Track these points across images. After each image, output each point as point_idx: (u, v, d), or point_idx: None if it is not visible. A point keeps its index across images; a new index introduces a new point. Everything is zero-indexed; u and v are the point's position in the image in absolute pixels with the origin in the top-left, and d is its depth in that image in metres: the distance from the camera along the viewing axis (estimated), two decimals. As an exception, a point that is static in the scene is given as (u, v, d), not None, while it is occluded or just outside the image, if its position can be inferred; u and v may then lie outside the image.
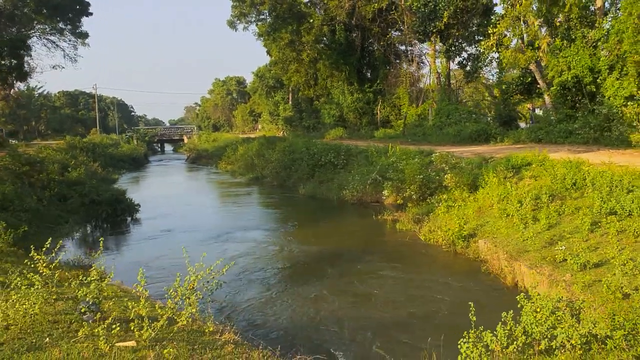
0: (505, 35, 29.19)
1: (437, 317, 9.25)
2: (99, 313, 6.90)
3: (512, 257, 10.90)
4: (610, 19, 23.68)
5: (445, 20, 30.94)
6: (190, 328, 6.80)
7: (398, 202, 19.37)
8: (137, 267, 7.09)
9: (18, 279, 6.70)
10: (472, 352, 5.17)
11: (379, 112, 44.34)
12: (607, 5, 24.79)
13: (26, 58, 30.71)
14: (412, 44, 45.42)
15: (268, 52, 52.38)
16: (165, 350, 5.71)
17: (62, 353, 5.60)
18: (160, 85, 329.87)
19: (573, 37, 24.42)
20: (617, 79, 21.59)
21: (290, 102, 70.04)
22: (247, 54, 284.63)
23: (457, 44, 33.78)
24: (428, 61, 40.33)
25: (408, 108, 40.88)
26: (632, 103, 20.75)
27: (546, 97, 29.68)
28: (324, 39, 45.95)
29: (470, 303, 6.05)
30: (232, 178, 37.59)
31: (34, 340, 5.89)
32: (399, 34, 44.79)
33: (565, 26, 24.88)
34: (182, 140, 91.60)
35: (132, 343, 6.08)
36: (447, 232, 13.68)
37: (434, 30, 31.88)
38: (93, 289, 6.86)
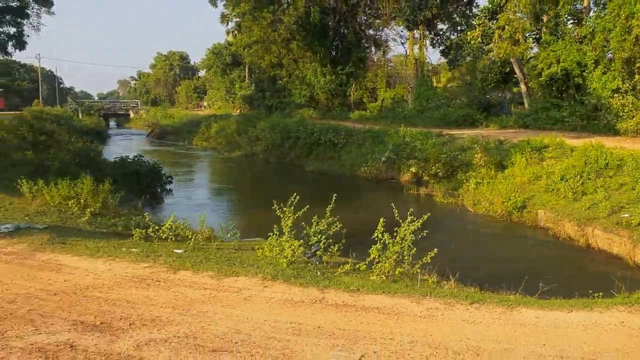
0: (490, 28, 31.62)
1: (540, 269, 11.04)
2: (324, 256, 8.19)
3: (581, 223, 12.91)
4: (594, 17, 26.34)
5: (434, 10, 32.88)
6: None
7: (424, 177, 21.09)
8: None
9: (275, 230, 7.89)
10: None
11: (352, 94, 45.89)
12: (591, 4, 27.56)
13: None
14: (380, 29, 47.39)
15: (238, 31, 52.56)
16: (431, 279, 7.15)
17: (359, 280, 6.89)
18: (89, 57, 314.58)
19: (561, 32, 27.02)
20: (604, 73, 24.35)
21: (247, 81, 70.07)
22: (189, 30, 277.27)
23: (441, 33, 35.90)
24: (405, 47, 42.29)
25: (382, 91, 42.76)
26: (617, 95, 23.53)
27: (522, 87, 32.45)
28: (299, 20, 46.70)
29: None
30: (219, 154, 38.02)
31: (311, 273, 7.14)
32: (374, 19, 46.44)
33: (554, 22, 27.41)
34: (128, 115, 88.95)
35: (383, 277, 7.48)
36: (504, 204, 15.55)
37: (422, 19, 33.73)
38: (322, 237, 8.11)
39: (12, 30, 27.42)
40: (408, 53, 40.85)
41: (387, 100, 41.89)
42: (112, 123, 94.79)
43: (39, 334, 4.66)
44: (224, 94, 74.87)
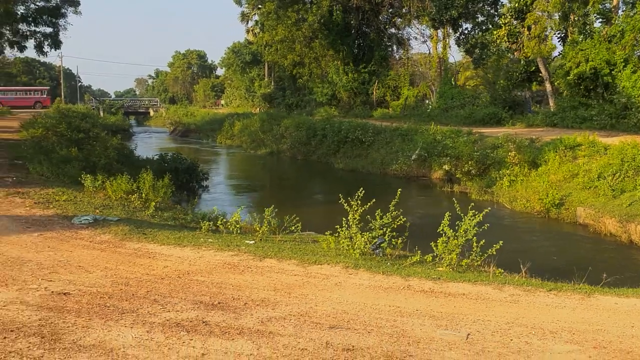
0: (515, 27, 31.83)
1: (591, 262, 11.35)
2: (388, 249, 8.60)
3: (623, 220, 13.20)
4: (624, 16, 26.43)
5: (460, 9, 33.14)
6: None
7: (457, 175, 21.39)
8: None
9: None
10: None
11: (374, 92, 46.22)
12: (620, 3, 27.65)
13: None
14: (402, 28, 47.76)
15: (261, 29, 53.28)
16: (498, 270, 7.54)
17: (431, 270, 7.29)
18: (106, 55, 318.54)
19: (589, 31, 27.18)
20: (633, 72, 24.50)
21: (266, 79, 70.65)
22: (206, 29, 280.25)
23: (466, 32, 36.14)
24: (429, 46, 42.55)
25: (405, 90, 43.05)
26: (648, 93, 23.68)
27: (547, 85, 32.59)
28: (322, 18, 47.13)
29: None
30: (245, 152, 38.60)
31: (383, 264, 7.55)
32: (396, 18, 46.75)
33: (582, 21, 27.57)
34: (148, 113, 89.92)
35: (450, 269, 7.86)
36: (541, 201, 15.86)
37: (448, 19, 33.99)
38: (387, 229, 8.52)
39: (48, 30, 28.18)
40: (431, 52, 41.12)
41: (410, 98, 42.15)
42: (131, 121, 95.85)
43: (168, 311, 5.12)
44: (243, 93, 75.47)
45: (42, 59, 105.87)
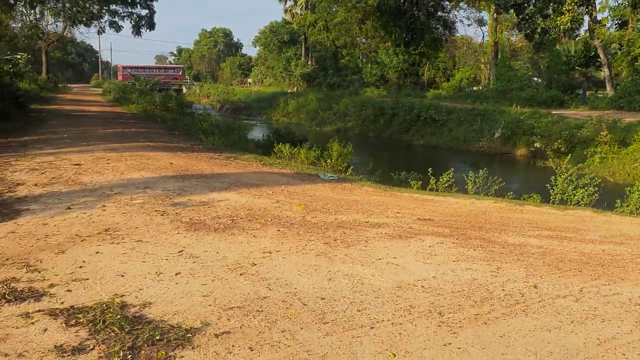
0: (579, 14, 33.47)
1: None
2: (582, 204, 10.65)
3: None
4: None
5: (524, -5, 34.78)
6: None
7: (547, 152, 23.39)
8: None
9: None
10: None
11: (425, 73, 47.97)
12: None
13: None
14: (450, 10, 49.30)
15: (311, 10, 54.95)
16: None
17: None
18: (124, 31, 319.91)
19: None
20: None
21: (302, 58, 72.28)
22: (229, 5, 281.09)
23: (527, 17, 37.71)
24: (483, 30, 44.16)
25: (461, 71, 44.81)
26: None
27: (605, 70, 34.33)
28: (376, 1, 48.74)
29: None
30: (308, 129, 40.56)
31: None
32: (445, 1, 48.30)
33: (652, 10, 29.32)
34: (181, 90, 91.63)
35: None
36: (646, 174, 17.93)
37: (513, 3, 35.64)
38: (588, 188, 10.57)
39: (144, 12, 30.09)
40: (487, 35, 42.80)
41: (463, 80, 43.95)
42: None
43: (527, 231, 7.20)
44: (279, 72, 77.09)
45: (69, 35, 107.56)
